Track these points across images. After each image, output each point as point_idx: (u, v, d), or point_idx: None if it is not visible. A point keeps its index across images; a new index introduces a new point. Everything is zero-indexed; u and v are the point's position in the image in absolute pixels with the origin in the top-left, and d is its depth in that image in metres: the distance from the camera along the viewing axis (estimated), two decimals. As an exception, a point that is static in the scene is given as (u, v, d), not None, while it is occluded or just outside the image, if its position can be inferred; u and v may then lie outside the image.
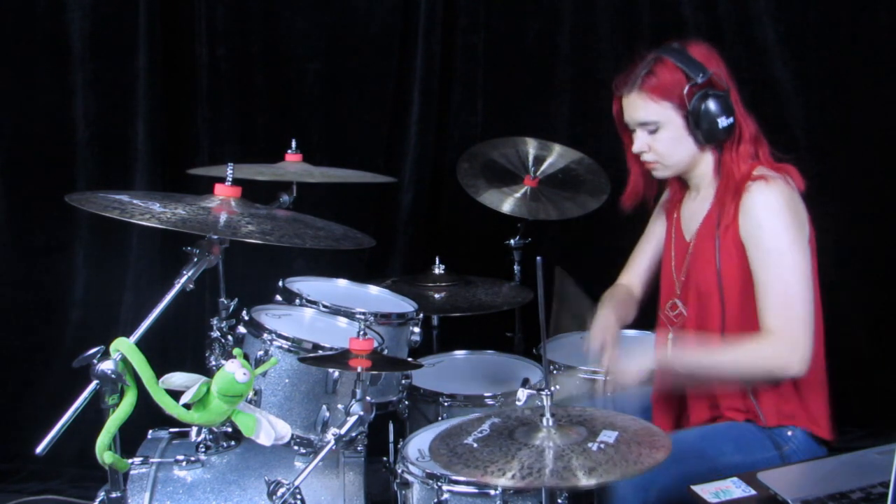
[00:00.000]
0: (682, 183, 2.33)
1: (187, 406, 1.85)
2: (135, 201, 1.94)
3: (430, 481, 2.13)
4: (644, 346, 2.26)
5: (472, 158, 3.21)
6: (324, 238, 2.07)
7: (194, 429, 2.38)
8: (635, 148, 2.23)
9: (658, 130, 2.18)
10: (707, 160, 2.21)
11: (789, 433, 2.15)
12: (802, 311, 2.06)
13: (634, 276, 2.52)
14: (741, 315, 2.14)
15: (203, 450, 2.35)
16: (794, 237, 2.08)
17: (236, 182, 2.03)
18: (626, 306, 2.46)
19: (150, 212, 1.89)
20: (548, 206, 3.09)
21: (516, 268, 3.22)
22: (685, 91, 2.12)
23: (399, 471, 2.22)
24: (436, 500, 2.11)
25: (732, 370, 2.13)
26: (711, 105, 2.11)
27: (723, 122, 2.12)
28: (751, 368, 2.10)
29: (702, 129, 2.13)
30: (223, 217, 1.95)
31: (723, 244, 2.14)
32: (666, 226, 2.41)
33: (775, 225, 2.08)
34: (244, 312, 2.40)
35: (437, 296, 3.02)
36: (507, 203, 3.08)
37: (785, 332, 2.05)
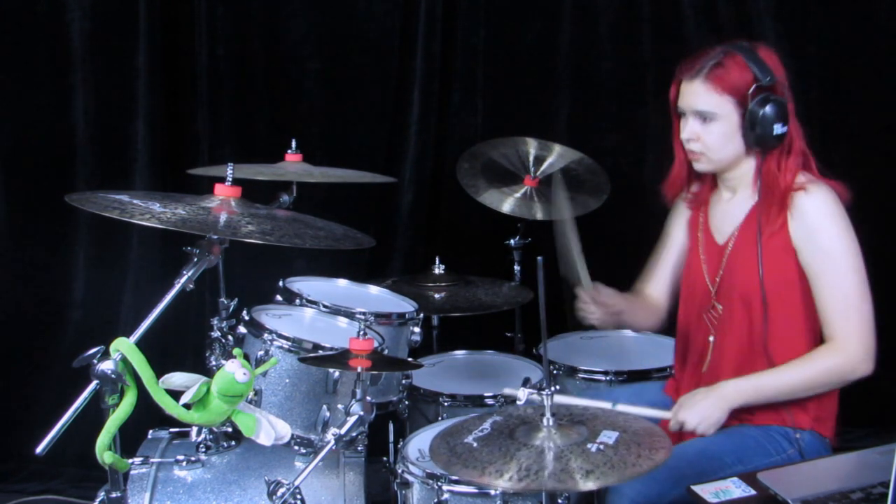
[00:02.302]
0: (711, 182, 2.31)
1: (187, 406, 1.85)
2: (135, 201, 1.95)
3: (430, 481, 2.13)
4: (707, 392, 2.14)
5: (472, 158, 3.21)
6: (324, 238, 2.07)
7: (194, 429, 2.38)
8: (684, 135, 2.21)
9: (712, 122, 2.16)
10: (749, 164, 2.20)
11: (797, 435, 2.15)
12: (865, 311, 2.09)
13: (659, 286, 2.49)
14: (784, 318, 2.14)
15: (203, 450, 2.36)
16: (851, 240, 2.11)
17: (236, 182, 2.03)
18: (644, 310, 2.46)
19: (150, 212, 1.89)
20: (548, 206, 3.09)
21: (516, 268, 3.22)
22: (750, 91, 2.11)
23: (399, 471, 2.23)
24: (436, 500, 2.11)
25: (805, 387, 2.12)
26: (771, 110, 2.10)
27: (778, 129, 2.12)
28: (824, 381, 2.12)
29: (755, 132, 2.12)
30: (223, 217, 1.95)
31: (766, 250, 2.13)
32: (689, 228, 2.38)
33: (831, 228, 2.10)
34: (244, 312, 2.40)
35: (437, 296, 3.02)
36: (507, 203, 3.08)
37: (851, 336, 2.08)
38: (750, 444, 2.12)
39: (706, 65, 2.15)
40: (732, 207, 2.25)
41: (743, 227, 2.21)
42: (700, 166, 2.24)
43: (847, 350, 2.09)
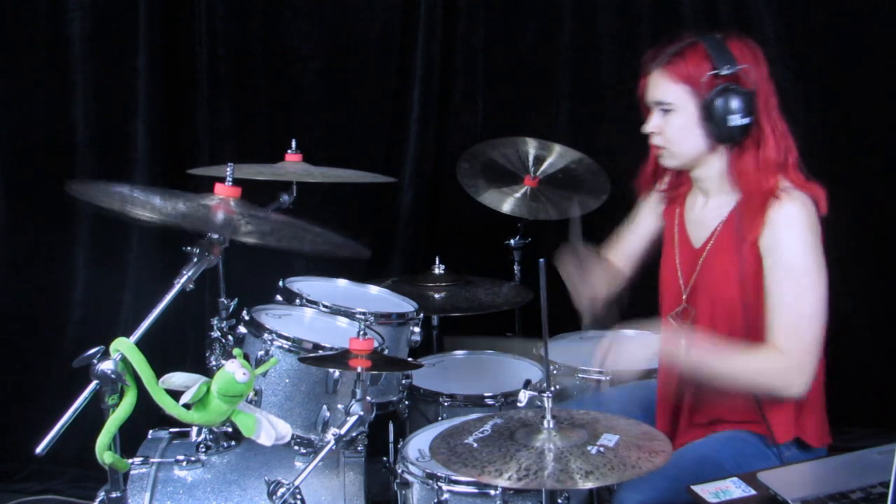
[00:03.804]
0: (686, 178, 2.24)
1: (187, 406, 1.85)
2: (135, 193, 1.94)
3: (430, 481, 2.13)
4: (647, 340, 2.21)
5: (472, 158, 3.22)
6: (321, 244, 2.06)
7: (194, 429, 2.38)
8: (647, 127, 2.14)
9: (671, 114, 2.09)
10: (716, 162, 2.11)
11: (783, 449, 2.12)
12: (813, 335, 2.01)
13: (621, 256, 2.46)
14: (757, 330, 2.08)
15: (203, 450, 2.35)
16: (816, 258, 2.02)
17: (236, 182, 2.03)
18: (606, 272, 2.42)
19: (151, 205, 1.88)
20: (548, 206, 3.09)
21: (516, 268, 3.22)
22: (704, 79, 2.02)
23: (399, 471, 2.23)
24: (436, 500, 2.11)
25: (735, 376, 2.06)
26: (727, 100, 2.01)
27: (735, 120, 2.01)
28: (754, 379, 2.05)
29: (713, 124, 2.03)
30: (220, 214, 1.95)
31: (743, 259, 2.07)
32: (664, 224, 2.33)
33: (797, 243, 2.02)
34: (244, 312, 2.40)
35: (437, 296, 3.02)
36: (507, 203, 3.08)
37: (793, 353, 2.00)
38: (749, 451, 2.10)
39: (667, 54, 2.08)
40: (708, 213, 2.17)
41: (720, 233, 2.14)
42: (665, 161, 2.17)
43: (784, 363, 2.01)
